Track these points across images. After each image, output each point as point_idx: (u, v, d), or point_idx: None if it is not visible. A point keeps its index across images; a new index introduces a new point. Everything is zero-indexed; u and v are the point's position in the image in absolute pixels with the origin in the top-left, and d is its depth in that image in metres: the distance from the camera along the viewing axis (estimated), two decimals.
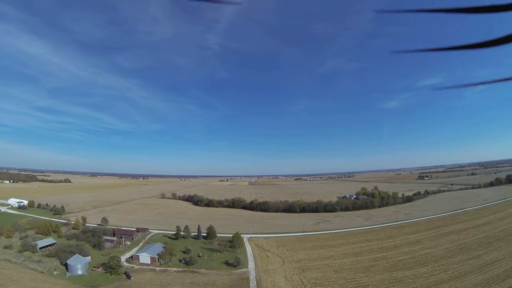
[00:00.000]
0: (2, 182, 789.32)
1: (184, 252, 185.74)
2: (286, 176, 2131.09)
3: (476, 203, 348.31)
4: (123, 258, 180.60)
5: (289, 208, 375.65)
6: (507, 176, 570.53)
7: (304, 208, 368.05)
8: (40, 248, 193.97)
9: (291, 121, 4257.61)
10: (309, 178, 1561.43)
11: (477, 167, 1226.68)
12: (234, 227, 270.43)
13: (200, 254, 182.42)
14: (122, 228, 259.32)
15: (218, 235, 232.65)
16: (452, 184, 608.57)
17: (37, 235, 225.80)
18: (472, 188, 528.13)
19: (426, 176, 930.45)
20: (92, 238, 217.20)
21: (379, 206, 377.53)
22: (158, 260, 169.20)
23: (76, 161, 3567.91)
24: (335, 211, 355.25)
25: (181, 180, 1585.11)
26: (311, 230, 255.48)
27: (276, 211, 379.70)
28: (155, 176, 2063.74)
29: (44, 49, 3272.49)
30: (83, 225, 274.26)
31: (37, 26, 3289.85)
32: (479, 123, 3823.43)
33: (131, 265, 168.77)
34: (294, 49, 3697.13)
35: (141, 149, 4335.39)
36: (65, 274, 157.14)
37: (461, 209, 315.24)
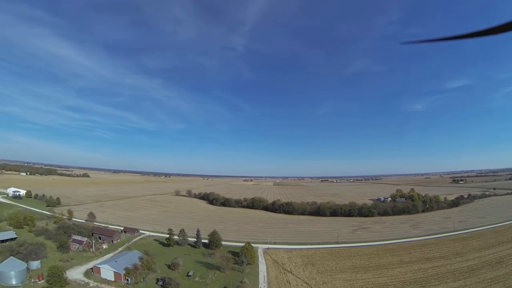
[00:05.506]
0: (18, 174, 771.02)
1: (169, 266, 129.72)
2: (311, 178, 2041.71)
3: None
4: (83, 268, 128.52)
5: (318, 211, 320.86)
6: None
7: (335, 211, 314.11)
8: None
9: (316, 123, 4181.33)
10: (336, 180, 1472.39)
11: None
12: (250, 232, 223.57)
13: (190, 273, 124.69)
14: (106, 227, 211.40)
15: (224, 243, 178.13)
16: (494, 189, 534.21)
17: (8, 227, 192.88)
18: None
19: (461, 180, 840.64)
20: (64, 236, 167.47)
21: (423, 211, 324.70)
22: (126, 278, 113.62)
23: (102, 159, 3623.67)
24: (372, 215, 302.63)
25: (204, 179, 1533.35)
26: (347, 241, 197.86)
27: (302, 213, 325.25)
28: (179, 175, 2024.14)
29: (73, 51, 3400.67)
30: (68, 219, 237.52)
31: (66, 29, 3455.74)
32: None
33: (87, 281, 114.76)
34: (319, 51, 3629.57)
35: (166, 148, 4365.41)
36: None
37: None
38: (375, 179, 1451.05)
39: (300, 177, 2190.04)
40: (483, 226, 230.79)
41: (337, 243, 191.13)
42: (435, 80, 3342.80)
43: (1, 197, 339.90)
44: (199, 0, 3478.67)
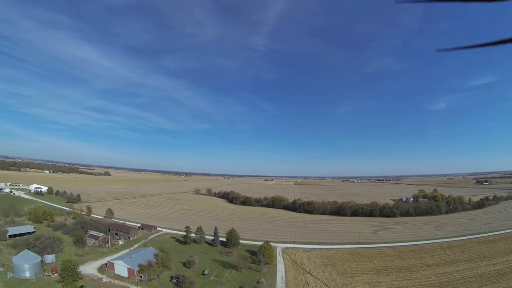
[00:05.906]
0: (42, 172, 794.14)
1: (184, 264, 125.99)
2: (332, 177, 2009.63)
3: None
4: (97, 263, 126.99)
5: (338, 211, 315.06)
6: None
7: (357, 211, 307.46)
8: (10, 236, 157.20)
9: (337, 123, 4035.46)
10: (357, 180, 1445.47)
11: None
12: (269, 231, 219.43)
13: (206, 271, 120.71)
14: (124, 223, 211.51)
15: (243, 241, 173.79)
16: None
17: (27, 221, 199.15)
18: None
19: (486, 181, 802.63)
20: (80, 231, 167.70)
21: (446, 212, 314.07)
22: (139, 274, 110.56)
23: (123, 158, 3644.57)
24: (394, 215, 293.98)
25: (224, 178, 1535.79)
26: (368, 241, 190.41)
27: (323, 213, 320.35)
28: (200, 174, 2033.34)
29: (94, 53, 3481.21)
30: (87, 215, 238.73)
31: (87, 32, 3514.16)
32: None
33: (100, 276, 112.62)
34: (339, 50, 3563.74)
35: (187, 148, 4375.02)
36: (7, 274, 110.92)
37: None
38: (396, 180, 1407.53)
39: (321, 177, 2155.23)
40: (510, 228, 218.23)
41: (358, 243, 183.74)
42: (459, 77, 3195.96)
43: (23, 193, 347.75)
44: (218, 1, 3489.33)
